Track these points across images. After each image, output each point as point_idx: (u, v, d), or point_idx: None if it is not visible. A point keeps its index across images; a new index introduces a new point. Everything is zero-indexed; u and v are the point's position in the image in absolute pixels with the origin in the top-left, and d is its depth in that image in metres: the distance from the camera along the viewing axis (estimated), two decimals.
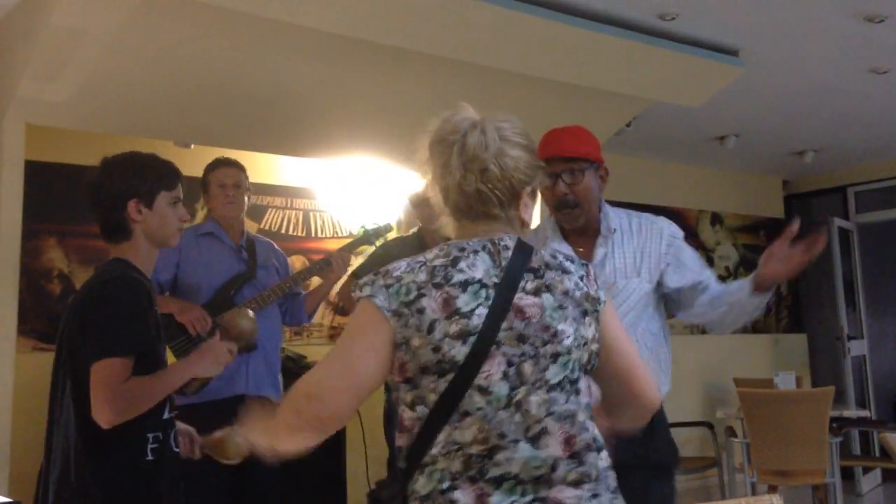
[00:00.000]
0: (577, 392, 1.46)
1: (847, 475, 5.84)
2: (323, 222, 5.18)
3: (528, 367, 1.41)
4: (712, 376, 6.38)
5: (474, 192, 1.48)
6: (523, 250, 1.49)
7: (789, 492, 5.19)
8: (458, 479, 1.38)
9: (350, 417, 1.48)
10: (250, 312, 2.46)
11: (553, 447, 1.41)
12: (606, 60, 3.94)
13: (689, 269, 2.34)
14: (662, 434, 2.33)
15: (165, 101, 3.65)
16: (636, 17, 3.76)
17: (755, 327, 6.92)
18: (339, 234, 5.21)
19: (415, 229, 4.01)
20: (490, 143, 1.48)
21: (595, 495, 1.44)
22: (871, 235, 7.23)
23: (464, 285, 1.42)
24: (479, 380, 1.39)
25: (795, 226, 2.16)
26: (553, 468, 1.41)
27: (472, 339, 1.39)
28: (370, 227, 3.77)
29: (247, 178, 3.44)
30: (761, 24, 3.90)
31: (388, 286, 1.44)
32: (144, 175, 2.16)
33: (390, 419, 3.84)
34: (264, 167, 4.89)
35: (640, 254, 2.33)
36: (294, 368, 4.31)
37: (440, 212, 1.56)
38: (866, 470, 6.28)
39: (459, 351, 1.39)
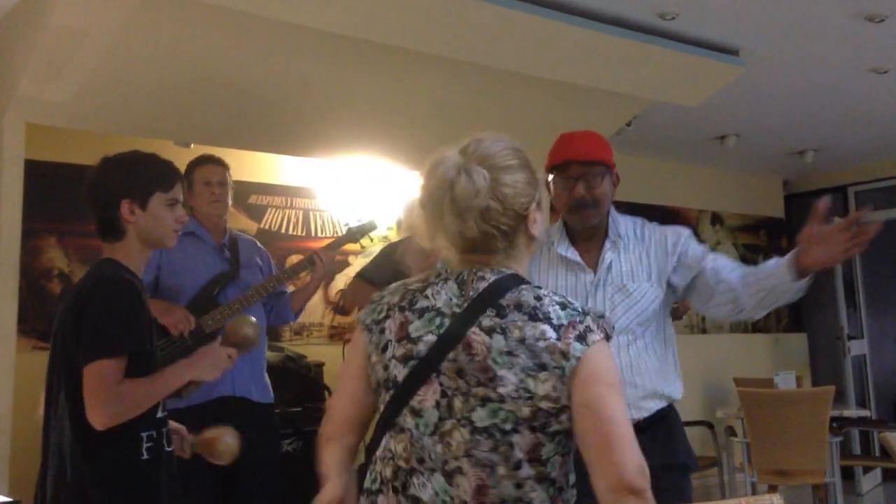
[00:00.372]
0: (510, 445, 1.36)
1: (847, 475, 5.85)
2: (323, 222, 5.17)
3: (457, 403, 1.39)
4: (712, 376, 6.38)
5: (479, 235, 1.44)
6: (500, 286, 1.43)
7: (789, 491, 5.19)
8: (385, 485, 1.44)
9: (365, 425, 1.56)
10: (253, 319, 2.43)
11: (464, 489, 1.36)
12: (606, 60, 3.94)
13: (694, 262, 2.32)
14: (682, 437, 2.34)
15: (165, 101, 3.65)
16: (636, 17, 3.76)
17: (755, 326, 6.92)
18: (339, 234, 5.21)
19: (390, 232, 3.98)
20: (480, 185, 1.41)
21: None
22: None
23: (421, 312, 1.45)
24: (414, 402, 1.42)
25: (824, 203, 2.10)
26: None
27: (412, 363, 1.42)
28: (354, 225, 3.68)
29: (230, 176, 3.38)
30: (761, 24, 3.90)
31: (372, 302, 1.53)
32: (139, 175, 2.15)
33: None
34: (264, 167, 4.89)
35: (648, 258, 2.33)
36: (294, 368, 4.31)
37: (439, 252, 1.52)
38: (866, 469, 6.29)
39: (401, 372, 1.43)
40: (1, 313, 3.29)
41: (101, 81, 3.38)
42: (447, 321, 1.42)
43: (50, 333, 2.14)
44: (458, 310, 1.43)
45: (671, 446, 2.26)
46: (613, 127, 4.81)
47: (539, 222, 1.51)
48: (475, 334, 1.39)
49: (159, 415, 2.10)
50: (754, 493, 4.63)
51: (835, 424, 4.79)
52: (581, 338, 1.37)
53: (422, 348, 1.42)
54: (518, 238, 1.48)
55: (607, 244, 2.33)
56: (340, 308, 4.18)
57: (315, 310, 4.86)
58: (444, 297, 1.45)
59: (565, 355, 1.36)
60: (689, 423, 5.56)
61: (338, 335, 4.97)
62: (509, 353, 1.37)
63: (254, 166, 4.80)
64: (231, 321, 2.39)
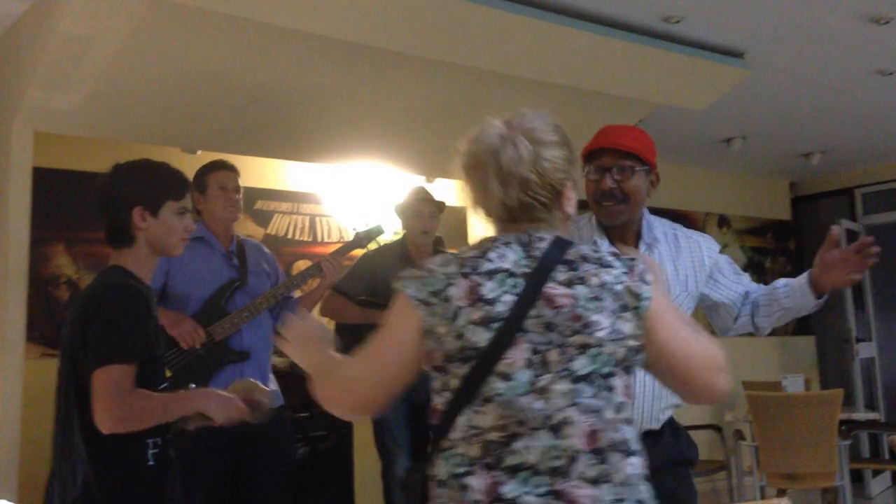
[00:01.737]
0: (610, 388, 1.41)
1: (856, 478, 5.82)
2: (329, 227, 5.18)
3: (553, 356, 1.39)
4: None
5: (517, 205, 1.48)
6: (560, 244, 1.47)
7: (798, 495, 5.17)
8: (475, 464, 1.38)
9: (383, 405, 1.52)
10: (266, 388, 2.39)
11: (575, 439, 1.37)
12: (611, 64, 3.94)
13: (725, 279, 2.35)
14: (683, 431, 2.33)
15: (172, 108, 3.67)
16: (641, 20, 3.76)
17: None
18: (346, 240, 5.21)
19: (399, 236, 3.97)
20: (524, 154, 1.47)
21: (619, 500, 1.38)
22: (879, 237, 7.15)
23: (490, 274, 1.43)
24: (501, 366, 1.39)
25: (836, 231, 2.24)
26: (572, 460, 1.36)
27: (495, 325, 1.39)
28: (361, 230, 3.66)
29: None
30: (767, 26, 3.89)
31: (420, 277, 1.47)
32: (152, 183, 2.16)
33: (379, 427, 3.78)
34: (270, 172, 4.90)
35: (684, 267, 2.28)
36: (301, 373, 4.30)
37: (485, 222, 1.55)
38: (876, 473, 6.26)
39: (482, 336, 1.39)
40: (9, 320, 3.30)
41: (109, 89, 3.40)
42: (521, 281, 1.42)
43: (58, 340, 2.15)
44: (528, 269, 1.43)
45: (678, 442, 2.24)
46: None
47: (573, 200, 1.55)
48: (553, 289, 1.41)
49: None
50: (763, 497, 4.62)
51: (843, 427, 4.77)
52: (643, 280, 1.46)
53: (501, 308, 1.40)
54: (554, 213, 1.51)
55: (642, 247, 2.24)
56: None
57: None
58: (512, 257, 1.45)
59: (637, 296, 1.44)
60: (697, 427, 5.56)
61: None
62: (595, 299, 1.41)
63: (260, 172, 4.82)
64: (244, 384, 2.35)
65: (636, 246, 2.25)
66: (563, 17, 3.58)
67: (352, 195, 5.19)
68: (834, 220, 6.82)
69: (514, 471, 1.36)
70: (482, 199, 1.51)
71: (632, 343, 1.43)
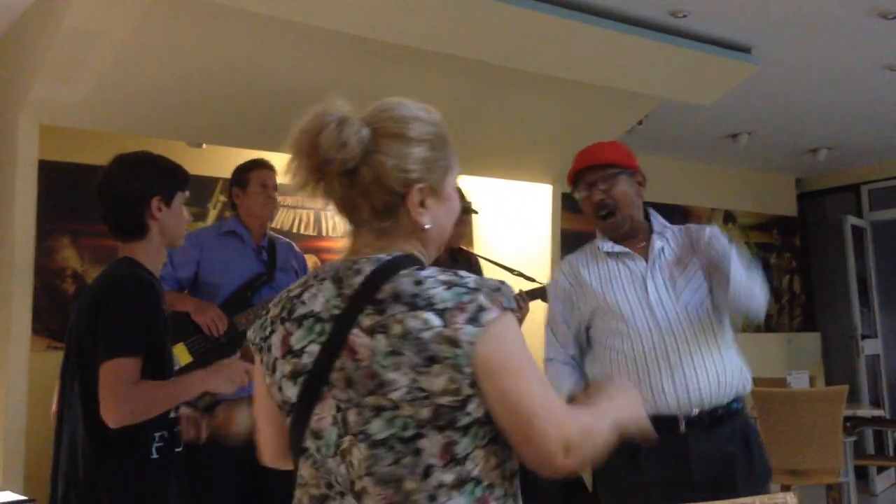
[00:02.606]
0: (416, 453, 1.19)
1: (861, 474, 5.82)
2: (334, 222, 5.16)
3: (352, 416, 1.22)
4: None
5: (344, 201, 1.30)
6: (378, 276, 1.24)
7: (803, 491, 5.16)
8: None
9: (275, 451, 1.41)
10: None
11: None
12: (617, 58, 3.93)
13: (719, 247, 2.31)
14: (756, 443, 2.34)
15: (178, 102, 3.67)
16: (647, 15, 3.75)
17: (768, 326, 6.89)
18: None
19: None
20: (347, 139, 1.25)
21: None
22: (885, 233, 7.18)
23: (300, 321, 1.28)
24: (313, 422, 1.25)
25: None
26: None
27: (300, 378, 1.26)
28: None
29: None
30: (774, 21, 3.88)
31: (259, 319, 1.37)
32: (166, 174, 2.18)
33: None
34: (276, 167, 4.90)
35: (687, 247, 2.36)
36: None
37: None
38: (881, 469, 6.25)
39: (293, 392, 1.27)
40: (15, 313, 3.31)
41: (115, 82, 3.40)
42: (328, 326, 1.24)
43: (63, 333, 2.15)
44: (336, 311, 1.25)
45: (751, 457, 2.26)
46: (625, 126, 4.80)
47: (429, 210, 1.31)
48: (357, 337, 1.21)
49: (172, 415, 2.11)
50: (768, 492, 4.61)
51: (848, 424, 4.77)
52: (472, 320, 1.18)
53: (307, 360, 1.25)
54: (400, 220, 1.30)
55: (655, 239, 2.37)
56: None
57: None
58: (321, 299, 1.27)
59: (455, 343, 1.17)
60: None
61: None
62: (393, 353, 1.18)
63: None
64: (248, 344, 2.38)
65: (648, 238, 2.37)
66: (569, 10, 3.57)
67: None
68: (840, 217, 6.81)
69: None
70: (298, 182, 1.29)
71: (446, 400, 1.18)
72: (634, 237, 2.39)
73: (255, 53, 3.49)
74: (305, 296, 1.29)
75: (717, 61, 4.08)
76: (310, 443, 1.26)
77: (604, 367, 2.34)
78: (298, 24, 3.23)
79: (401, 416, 1.19)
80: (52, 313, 3.96)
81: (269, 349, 1.31)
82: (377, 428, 1.20)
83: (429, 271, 1.24)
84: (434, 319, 1.18)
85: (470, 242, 5.18)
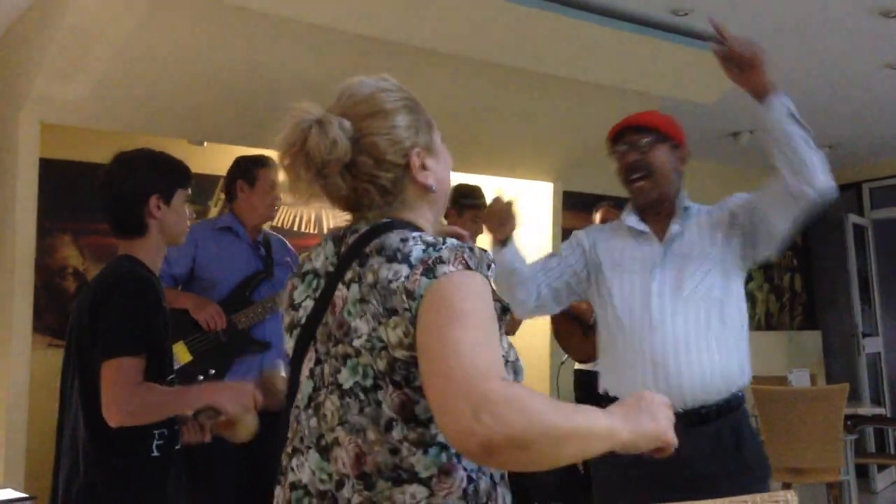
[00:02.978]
0: (377, 403, 1.19)
1: (862, 473, 5.82)
2: (335, 220, 5.18)
3: (326, 368, 1.24)
4: None
5: (352, 193, 1.30)
6: (372, 233, 1.25)
7: (803, 489, 5.16)
8: (280, 475, 1.32)
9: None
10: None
11: (342, 462, 1.20)
12: (618, 56, 3.93)
13: (741, 200, 2.43)
14: (752, 445, 2.28)
15: (179, 100, 3.67)
16: (649, 13, 3.74)
17: (769, 324, 6.88)
18: None
19: None
20: (335, 136, 1.25)
21: None
22: (887, 231, 7.18)
23: (303, 276, 1.35)
24: (302, 376, 1.29)
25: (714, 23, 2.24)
26: (339, 485, 1.20)
27: (295, 332, 1.31)
28: None
29: None
30: (775, 20, 3.87)
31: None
32: (165, 171, 2.18)
33: None
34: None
35: (709, 224, 2.34)
36: None
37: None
38: (881, 468, 6.26)
39: (289, 344, 1.33)
40: (16, 311, 3.31)
41: (116, 81, 3.40)
42: (322, 282, 1.29)
43: (64, 331, 2.15)
44: (331, 269, 1.29)
45: (741, 457, 2.20)
46: None
47: (432, 170, 1.33)
48: (339, 290, 1.24)
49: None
50: (767, 490, 4.61)
51: (849, 422, 4.77)
52: (429, 271, 1.15)
53: (301, 314, 1.31)
54: (406, 191, 1.31)
55: (676, 214, 2.33)
56: None
57: None
58: (322, 257, 1.33)
59: (411, 294, 1.14)
60: None
61: None
62: (361, 301, 1.19)
63: None
64: (267, 371, 2.38)
65: (670, 218, 2.33)
66: (570, 9, 3.57)
67: None
68: (841, 215, 6.80)
69: (293, 487, 1.26)
70: (308, 191, 1.28)
71: (399, 353, 1.16)
72: (658, 212, 2.34)
73: (257, 51, 3.49)
74: (313, 254, 1.36)
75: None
76: (298, 395, 1.29)
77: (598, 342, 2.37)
78: (301, 22, 3.23)
79: (361, 363, 1.20)
80: (53, 311, 3.96)
81: (282, 304, 1.38)
82: (344, 377, 1.21)
83: (418, 233, 1.24)
84: (404, 271, 1.17)
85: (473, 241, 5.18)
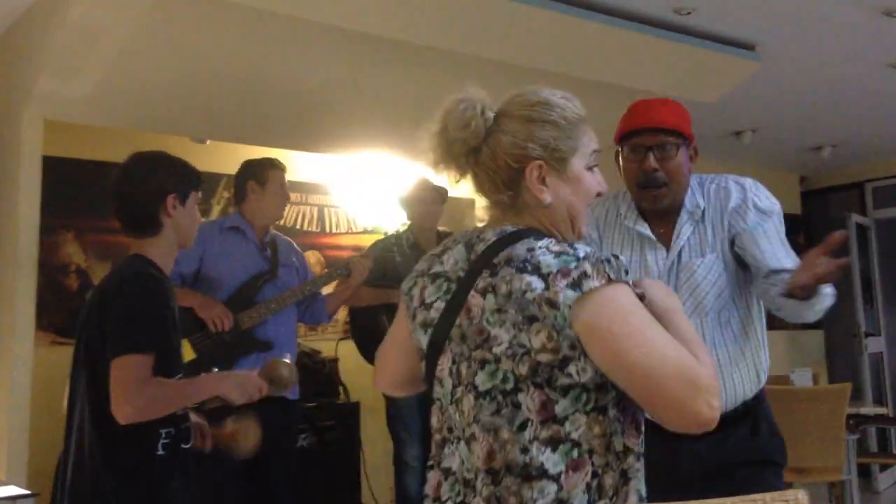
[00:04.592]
0: (516, 405, 1.29)
1: (864, 473, 5.81)
2: (338, 218, 5.19)
3: (464, 368, 1.35)
4: None
5: (473, 178, 1.42)
6: (500, 244, 1.35)
7: (805, 489, 5.16)
8: (432, 460, 1.42)
9: (409, 383, 1.56)
10: (289, 360, 2.43)
11: (477, 455, 1.32)
12: (621, 55, 3.93)
13: (763, 244, 2.08)
14: (767, 430, 2.20)
15: (182, 97, 3.67)
16: (651, 12, 3.74)
17: (772, 323, 6.87)
18: (354, 230, 5.22)
19: (407, 225, 4.03)
20: (470, 119, 1.36)
21: None
22: (889, 231, 7.17)
23: (434, 277, 1.42)
24: (438, 371, 1.40)
25: (841, 235, 1.96)
26: (476, 476, 1.32)
27: (429, 330, 1.40)
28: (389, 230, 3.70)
29: None
30: (778, 19, 3.87)
31: (411, 272, 1.51)
32: (182, 173, 2.20)
33: (393, 416, 3.83)
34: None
35: (712, 223, 2.07)
36: (309, 364, 4.33)
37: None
38: (883, 467, 6.25)
39: (423, 341, 1.41)
40: (20, 308, 3.32)
41: (119, 78, 3.41)
42: (453, 286, 1.38)
43: (68, 328, 2.16)
44: (461, 274, 1.38)
45: (755, 438, 2.14)
46: None
47: (549, 188, 1.38)
48: (473, 297, 1.34)
49: (179, 412, 2.12)
50: (780, 487, 4.61)
51: (851, 422, 4.76)
52: (575, 285, 1.25)
53: (433, 315, 1.39)
54: (522, 196, 1.39)
55: (684, 216, 2.07)
56: None
57: None
58: (452, 261, 1.41)
59: (553, 304, 1.25)
60: None
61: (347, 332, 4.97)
62: (499, 311, 1.30)
63: None
64: (270, 360, 2.39)
65: (676, 218, 2.08)
66: (573, 7, 3.57)
67: (360, 186, 5.18)
68: (844, 215, 6.79)
69: (446, 473, 1.38)
70: (439, 164, 1.42)
71: (545, 357, 1.27)
72: (666, 214, 2.08)
73: (260, 50, 3.50)
74: (444, 256, 1.43)
75: (721, 59, 4.08)
76: (437, 389, 1.40)
77: None
78: (304, 20, 3.24)
79: (501, 369, 1.30)
80: (56, 309, 3.97)
81: (412, 299, 1.45)
82: (481, 379, 1.32)
83: (545, 241, 1.33)
84: (536, 283, 1.27)
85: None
